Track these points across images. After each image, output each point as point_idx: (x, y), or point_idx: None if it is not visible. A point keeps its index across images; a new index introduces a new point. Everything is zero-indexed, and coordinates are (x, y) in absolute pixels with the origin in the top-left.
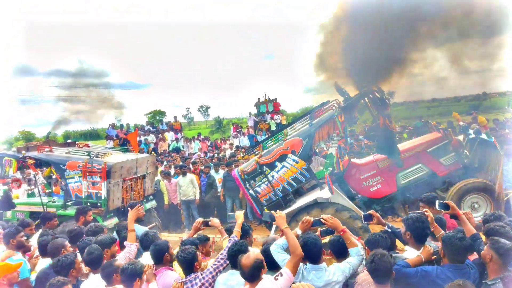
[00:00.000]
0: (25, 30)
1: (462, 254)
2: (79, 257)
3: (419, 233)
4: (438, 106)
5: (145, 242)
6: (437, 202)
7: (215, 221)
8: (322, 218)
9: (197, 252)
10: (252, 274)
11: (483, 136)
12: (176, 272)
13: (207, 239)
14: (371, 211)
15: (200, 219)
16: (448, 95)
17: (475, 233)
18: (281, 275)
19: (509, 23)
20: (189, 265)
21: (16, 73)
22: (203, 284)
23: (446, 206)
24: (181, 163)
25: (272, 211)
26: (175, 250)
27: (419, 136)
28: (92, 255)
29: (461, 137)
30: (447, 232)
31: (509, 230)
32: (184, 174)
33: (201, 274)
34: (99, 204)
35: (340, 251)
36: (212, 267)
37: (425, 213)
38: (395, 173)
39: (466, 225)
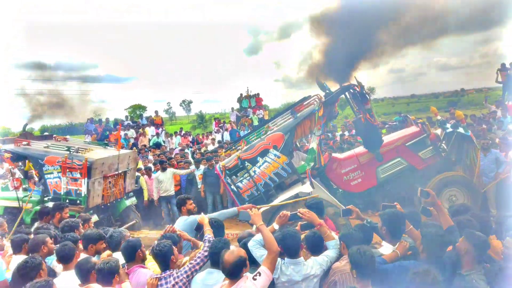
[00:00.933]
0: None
1: (441, 250)
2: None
3: (394, 228)
4: (417, 102)
5: (111, 243)
6: (419, 189)
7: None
8: (299, 212)
9: (173, 247)
10: (234, 271)
11: (460, 130)
12: (149, 270)
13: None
14: (350, 206)
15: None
16: (426, 91)
17: (452, 225)
18: (260, 274)
19: (489, 20)
20: (164, 259)
21: None
22: (176, 283)
23: (427, 194)
24: (161, 159)
25: (248, 210)
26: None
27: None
28: (64, 249)
29: (438, 131)
30: (428, 227)
31: (475, 223)
32: (164, 169)
33: (176, 272)
34: (78, 202)
35: (315, 246)
36: (188, 266)
37: (396, 206)
38: (375, 167)
39: (444, 216)
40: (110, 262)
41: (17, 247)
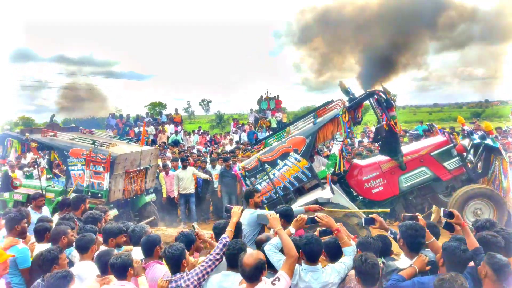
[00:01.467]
0: (28, 19)
1: (463, 265)
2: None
3: (412, 241)
4: (440, 111)
5: (133, 237)
6: (442, 209)
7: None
8: (316, 217)
9: (185, 250)
10: (253, 274)
11: (488, 141)
12: (165, 266)
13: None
14: (374, 215)
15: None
16: (450, 101)
17: (479, 247)
18: (279, 279)
19: None
20: (176, 263)
21: (16, 58)
22: (187, 285)
23: (450, 215)
24: (182, 156)
25: (266, 213)
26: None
27: (419, 140)
28: (82, 239)
29: (466, 142)
30: (449, 240)
31: (501, 240)
32: (184, 167)
33: (187, 275)
34: (100, 195)
35: (335, 253)
36: (199, 267)
37: (417, 217)
38: (398, 176)
39: (469, 237)
40: (122, 256)
41: (40, 236)
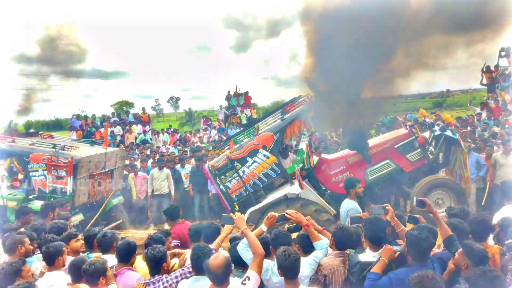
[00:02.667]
0: None
1: (426, 252)
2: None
3: (374, 235)
4: (404, 102)
5: (104, 244)
6: (415, 199)
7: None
8: (287, 213)
9: (167, 254)
10: (222, 276)
11: (448, 133)
12: (138, 273)
13: (169, 234)
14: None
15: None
16: (413, 91)
17: (451, 235)
18: (248, 278)
19: (475, 22)
20: (157, 265)
21: None
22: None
23: (422, 204)
24: (158, 157)
25: (230, 214)
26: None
27: (386, 131)
28: (47, 251)
29: (427, 134)
30: (411, 229)
31: (467, 226)
32: (160, 168)
33: (165, 277)
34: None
35: (309, 245)
36: (179, 271)
37: (386, 207)
38: (363, 169)
39: (441, 226)
40: (96, 263)
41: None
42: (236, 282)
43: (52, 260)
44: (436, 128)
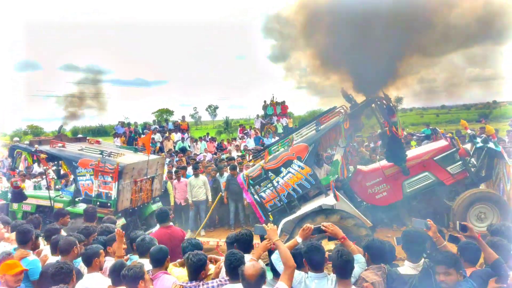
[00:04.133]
0: (29, 28)
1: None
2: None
3: (413, 248)
4: (447, 113)
5: (141, 248)
6: (458, 223)
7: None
8: (323, 226)
9: (208, 262)
10: (255, 285)
11: (491, 145)
12: (173, 277)
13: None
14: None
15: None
16: (458, 102)
17: (497, 259)
18: None
19: None
20: (196, 271)
21: (21, 68)
22: None
23: (465, 228)
24: (194, 164)
25: (263, 225)
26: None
27: (427, 142)
28: (85, 253)
29: (468, 146)
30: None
31: (508, 245)
32: (196, 175)
33: (203, 284)
34: (108, 204)
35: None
36: (216, 281)
37: (428, 222)
38: (401, 181)
39: (486, 250)
40: (134, 268)
41: (54, 248)
42: None
43: (89, 261)
44: (478, 140)
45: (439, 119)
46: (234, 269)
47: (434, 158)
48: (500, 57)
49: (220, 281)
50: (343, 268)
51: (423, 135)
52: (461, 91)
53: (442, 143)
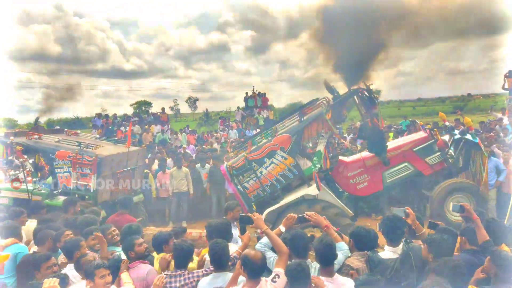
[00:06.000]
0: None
1: (447, 255)
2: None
3: (392, 232)
4: (423, 105)
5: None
6: (452, 204)
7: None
8: (306, 215)
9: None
10: (259, 271)
11: (468, 136)
12: (149, 265)
13: (184, 230)
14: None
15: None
16: (433, 95)
17: (489, 240)
18: (278, 276)
19: (497, 26)
20: (184, 258)
21: None
22: (186, 284)
23: (462, 209)
24: (176, 157)
25: (249, 213)
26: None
27: (401, 135)
28: (67, 246)
29: (446, 137)
30: (432, 233)
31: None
32: (179, 167)
33: (188, 273)
34: (87, 197)
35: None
36: (202, 271)
37: (407, 210)
38: (381, 172)
39: (480, 230)
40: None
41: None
42: (267, 279)
43: (70, 254)
44: (456, 131)
45: (416, 111)
46: (218, 258)
47: (414, 149)
48: (476, 52)
49: (206, 270)
50: (325, 256)
51: (400, 127)
52: (437, 84)
53: (421, 134)
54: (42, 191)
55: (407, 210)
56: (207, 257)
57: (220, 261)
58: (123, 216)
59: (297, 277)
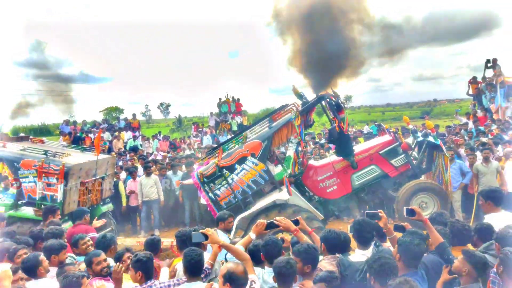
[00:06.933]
0: None
1: (418, 259)
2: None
3: (362, 235)
4: (392, 110)
5: (102, 245)
6: (404, 208)
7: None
8: (275, 220)
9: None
10: (246, 281)
11: (430, 138)
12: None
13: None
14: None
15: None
16: (401, 100)
17: (443, 242)
18: (254, 282)
19: (462, 33)
20: (149, 270)
21: None
22: None
23: (412, 212)
24: (143, 163)
25: (201, 230)
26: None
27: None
28: (27, 265)
29: (410, 140)
30: (402, 236)
31: (448, 231)
32: (148, 174)
33: (159, 283)
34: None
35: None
36: (173, 280)
37: (379, 213)
38: (350, 175)
39: (432, 233)
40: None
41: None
42: None
43: (33, 272)
44: (419, 134)
45: (385, 116)
46: (194, 265)
47: (380, 152)
48: (442, 58)
49: (178, 281)
50: (287, 274)
51: (370, 131)
52: (404, 89)
53: (387, 137)
54: (6, 201)
55: (379, 214)
56: (178, 268)
57: (196, 269)
58: (78, 226)
59: (286, 273)
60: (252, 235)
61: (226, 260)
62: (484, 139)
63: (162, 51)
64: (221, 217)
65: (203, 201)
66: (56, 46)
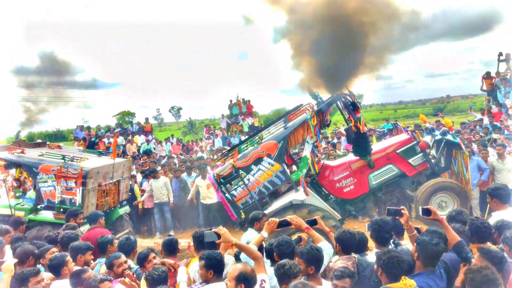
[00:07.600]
0: None
1: (435, 258)
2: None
3: (380, 235)
4: (404, 108)
5: (126, 248)
6: (420, 208)
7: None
8: (288, 218)
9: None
10: (255, 281)
11: (449, 137)
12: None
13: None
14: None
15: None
16: (414, 98)
17: (460, 241)
18: (264, 281)
19: (475, 28)
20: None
21: None
22: None
23: (428, 212)
24: (152, 167)
25: (214, 229)
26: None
27: (384, 138)
28: (53, 263)
29: (428, 138)
30: (421, 234)
31: (467, 230)
32: (155, 177)
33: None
34: None
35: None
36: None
37: (402, 210)
38: (367, 174)
39: (449, 232)
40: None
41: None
42: None
43: (57, 271)
44: (437, 132)
45: (397, 114)
46: (220, 267)
47: (397, 151)
48: (455, 54)
49: (197, 285)
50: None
51: (383, 130)
52: (417, 86)
53: (404, 136)
54: (25, 206)
55: (402, 211)
56: (190, 273)
57: (222, 270)
58: (94, 230)
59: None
60: (264, 233)
61: (239, 260)
62: (495, 136)
63: (169, 54)
64: (256, 217)
65: (209, 201)
66: (62, 51)
